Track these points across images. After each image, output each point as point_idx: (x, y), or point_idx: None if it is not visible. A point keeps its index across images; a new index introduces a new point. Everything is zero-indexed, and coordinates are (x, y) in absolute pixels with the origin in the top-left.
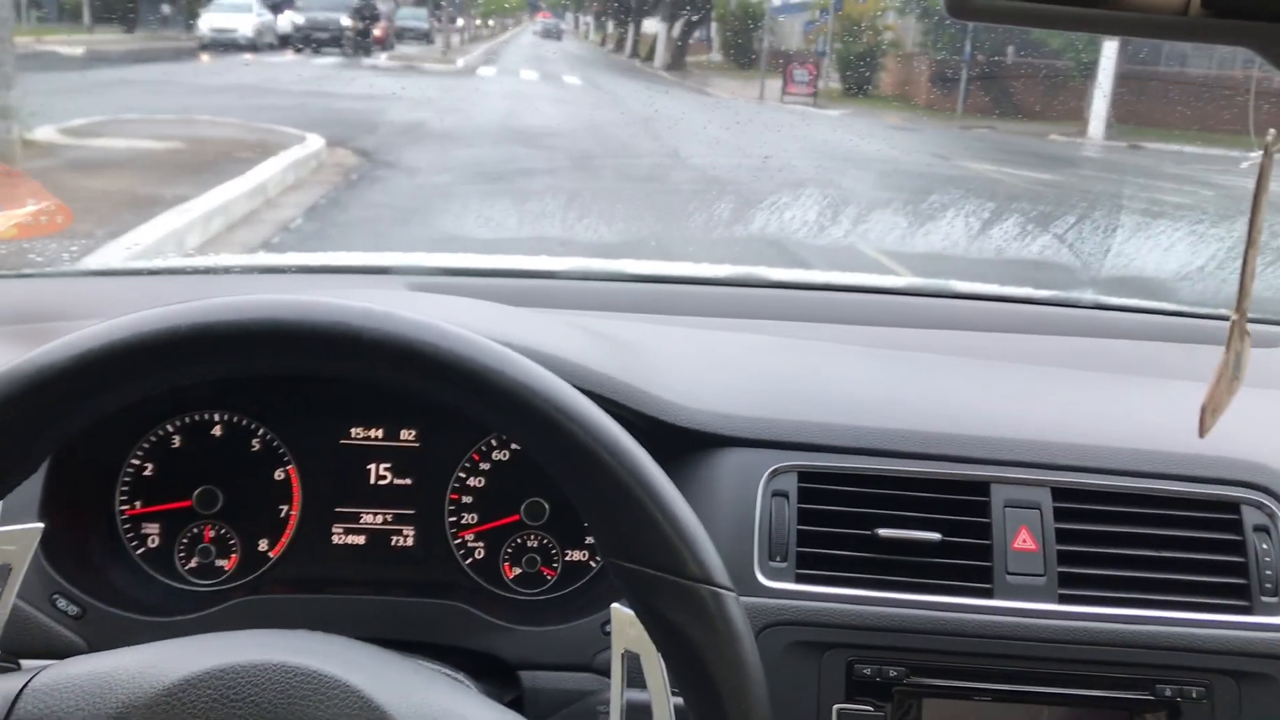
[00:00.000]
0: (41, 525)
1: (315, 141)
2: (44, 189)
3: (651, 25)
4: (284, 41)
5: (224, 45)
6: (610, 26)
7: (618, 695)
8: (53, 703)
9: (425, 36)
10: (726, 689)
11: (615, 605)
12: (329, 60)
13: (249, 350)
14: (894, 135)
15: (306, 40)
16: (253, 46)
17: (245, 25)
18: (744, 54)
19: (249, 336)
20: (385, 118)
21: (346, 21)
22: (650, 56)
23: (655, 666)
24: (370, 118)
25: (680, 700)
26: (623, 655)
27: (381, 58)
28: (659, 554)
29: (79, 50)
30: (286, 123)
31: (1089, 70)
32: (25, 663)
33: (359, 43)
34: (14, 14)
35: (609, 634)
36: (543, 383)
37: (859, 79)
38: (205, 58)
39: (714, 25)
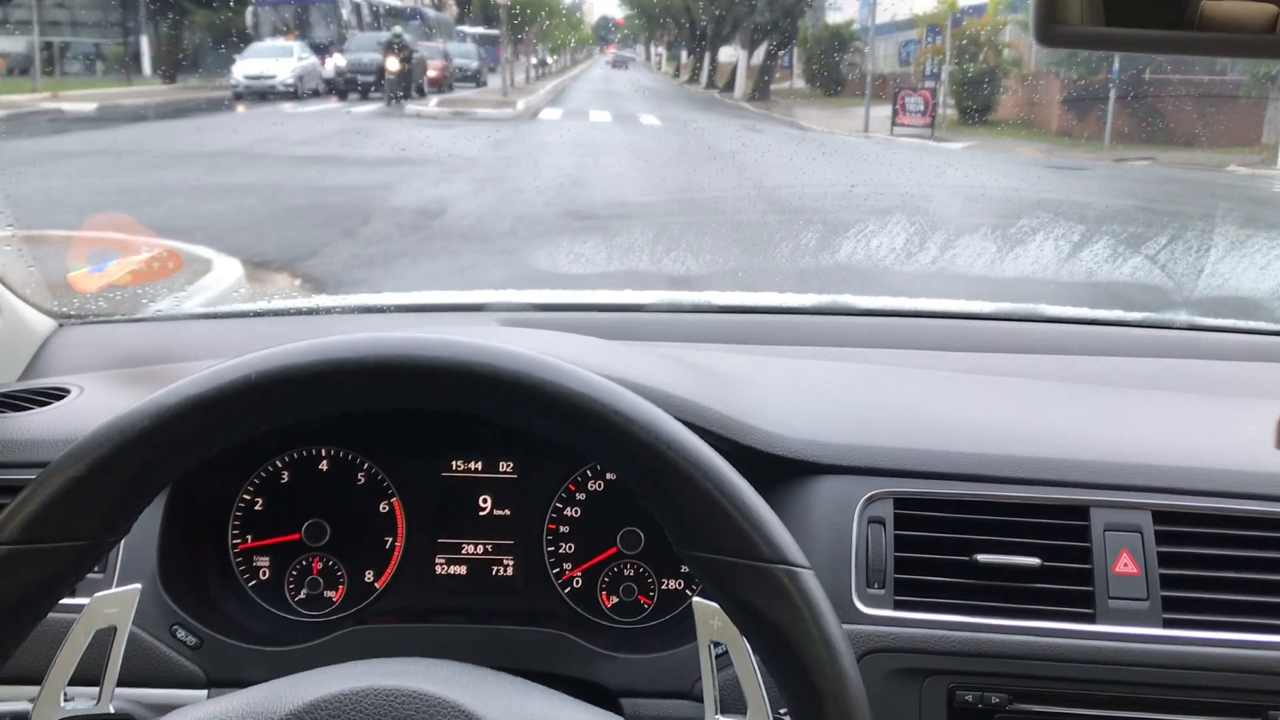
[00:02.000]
0: (139, 586)
1: (226, 271)
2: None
3: (729, 53)
4: (330, 87)
5: (260, 93)
6: (684, 56)
7: (710, 687)
8: None
9: (474, 78)
10: (815, 665)
11: (696, 599)
12: (368, 109)
13: (382, 386)
14: (1041, 174)
15: (351, 85)
16: (294, 94)
17: (284, 71)
18: (832, 81)
19: (384, 372)
20: (393, 198)
21: (388, 63)
22: (729, 86)
23: (743, 653)
24: (370, 199)
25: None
26: (710, 646)
27: (431, 102)
28: (731, 540)
29: (90, 106)
30: (246, 213)
31: (1270, 83)
32: (143, 694)
33: (396, 85)
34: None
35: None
36: (600, 390)
37: (980, 106)
38: (241, 108)
39: (794, 50)
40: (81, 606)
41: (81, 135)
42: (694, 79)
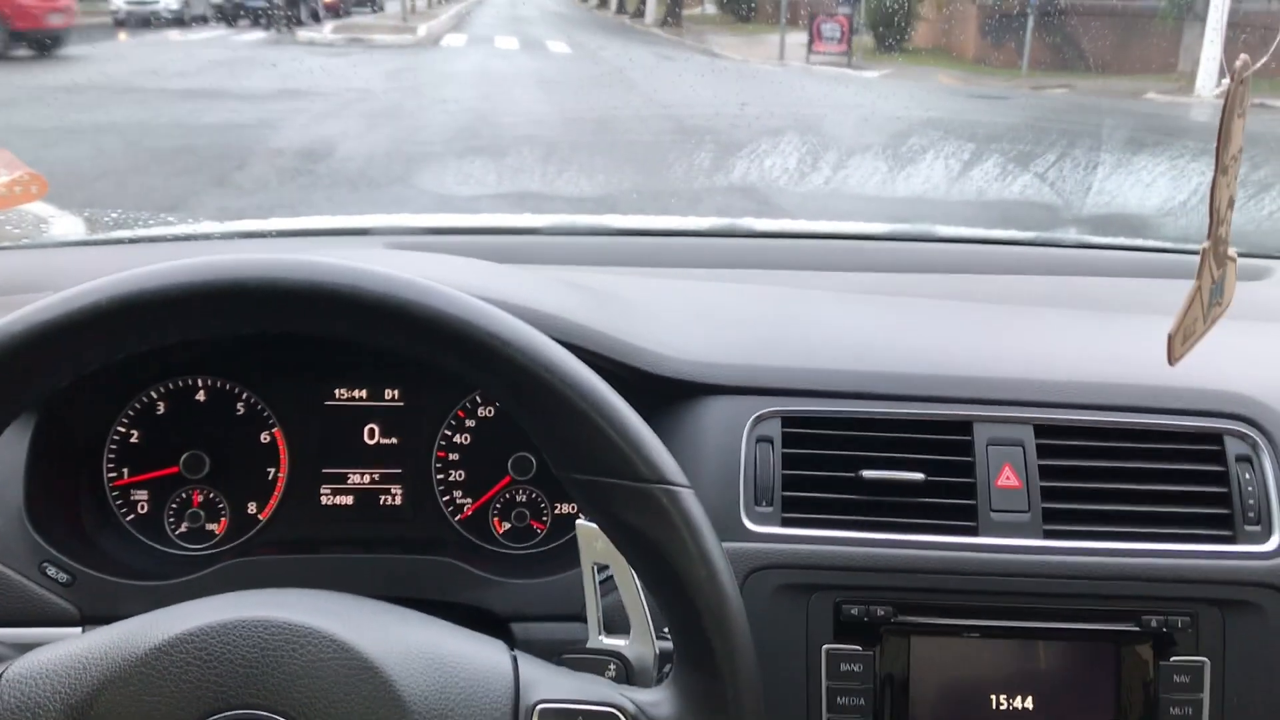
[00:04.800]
0: None
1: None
2: (16, 159)
3: None
4: (219, 13)
5: (143, 19)
6: None
7: (594, 609)
8: (30, 691)
9: (372, 1)
10: (694, 583)
11: (579, 522)
12: (256, 36)
13: (242, 309)
14: (964, 103)
15: (237, 10)
16: (179, 20)
17: None
18: (745, 6)
19: (243, 295)
20: (274, 137)
21: None
22: (640, 12)
23: (625, 574)
24: (247, 139)
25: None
26: (593, 569)
27: (326, 29)
28: (610, 461)
29: None
30: (104, 158)
31: (1186, 7)
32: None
33: (287, 9)
34: None
35: None
36: (475, 311)
37: (897, 32)
38: (122, 36)
39: None
40: None
41: None
42: (603, 4)
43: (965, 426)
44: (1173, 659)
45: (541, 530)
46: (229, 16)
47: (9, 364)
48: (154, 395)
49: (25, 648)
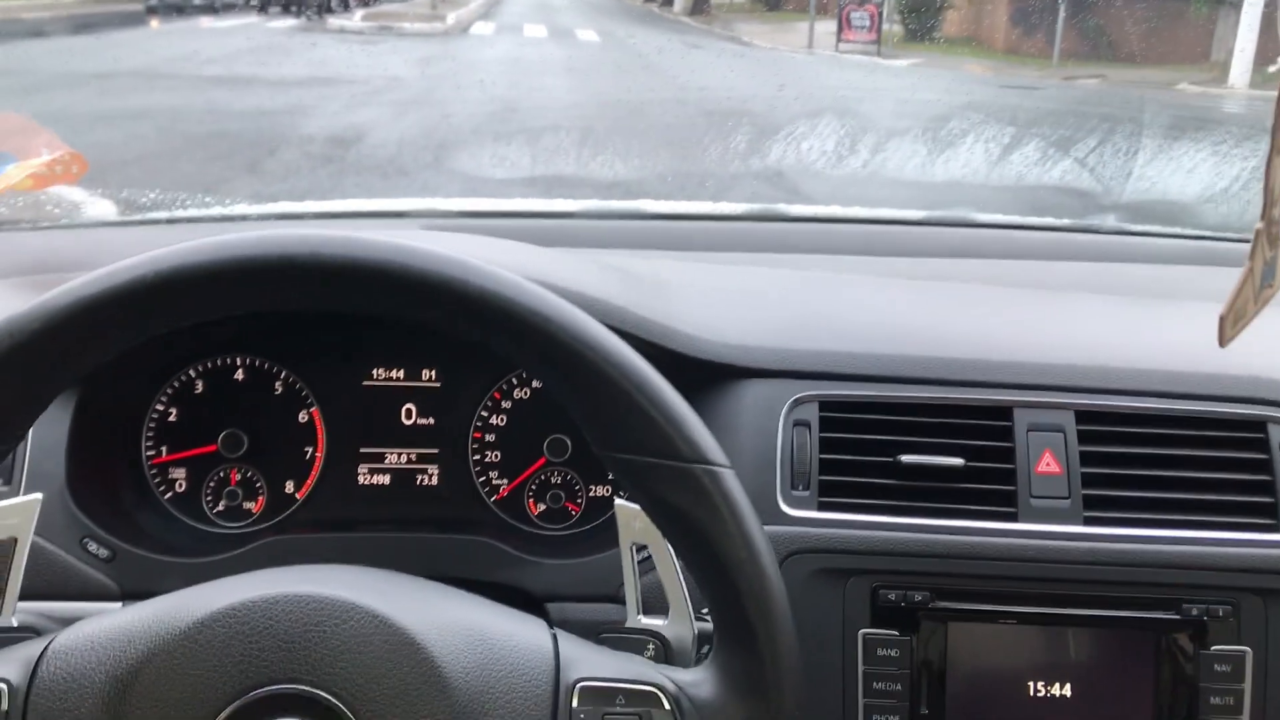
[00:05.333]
0: (40, 496)
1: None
2: (58, 138)
3: None
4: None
5: (176, 7)
6: None
7: (632, 589)
8: (76, 662)
9: None
10: (734, 563)
11: (618, 501)
12: (287, 24)
13: (285, 285)
14: (995, 93)
15: None
16: (211, 7)
17: None
18: None
19: (287, 270)
20: (306, 124)
21: None
22: (669, 1)
23: (664, 554)
24: (280, 126)
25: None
26: (632, 548)
27: (356, 16)
28: (650, 440)
29: None
30: (137, 143)
31: None
32: (52, 607)
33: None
34: None
35: None
36: (518, 288)
37: (928, 21)
38: (155, 23)
39: None
40: None
41: None
42: None
43: (1005, 412)
44: (1213, 648)
45: (576, 512)
46: (261, 4)
47: (55, 338)
48: (193, 374)
49: (67, 621)
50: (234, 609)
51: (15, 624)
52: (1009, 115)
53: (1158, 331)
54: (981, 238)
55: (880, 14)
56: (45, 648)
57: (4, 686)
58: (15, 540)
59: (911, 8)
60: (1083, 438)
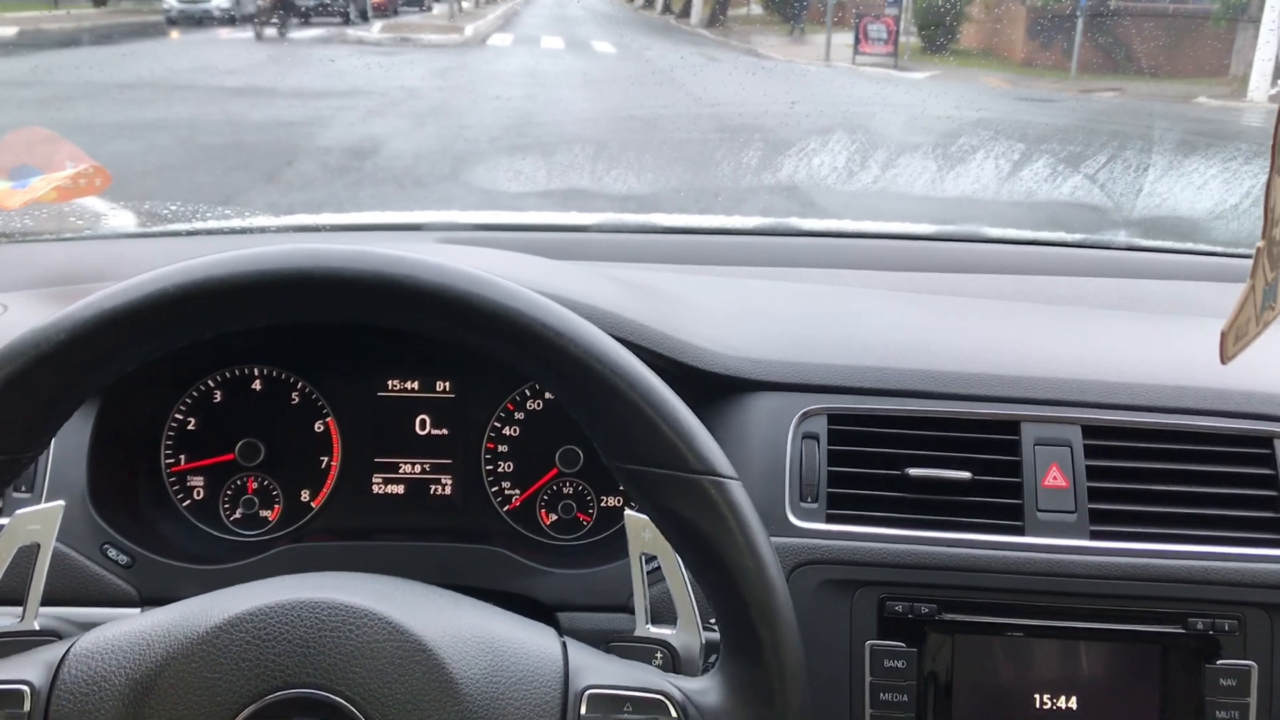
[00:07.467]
0: (63, 503)
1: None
2: (81, 151)
3: None
4: (269, 11)
5: (195, 19)
6: None
7: (641, 599)
8: (97, 666)
9: (419, 1)
10: (741, 574)
11: (628, 512)
12: (309, 34)
13: (304, 298)
14: (1012, 106)
15: (289, 9)
16: (231, 19)
17: None
18: (787, 6)
19: (305, 284)
20: (323, 135)
21: None
22: (685, 12)
23: (673, 565)
24: (297, 137)
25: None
26: (641, 558)
27: (375, 28)
28: (659, 452)
29: (10, 31)
30: (156, 154)
31: (1240, 10)
32: (73, 612)
33: (336, 9)
34: None
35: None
36: (529, 302)
37: (945, 33)
38: (174, 34)
39: None
40: (2, 525)
41: None
42: (649, 4)
43: (1013, 426)
44: (1219, 662)
45: (588, 522)
46: (280, 15)
47: (80, 350)
48: (211, 384)
49: (88, 626)
50: (251, 615)
51: (37, 628)
52: (1020, 131)
53: (1166, 347)
54: (992, 253)
55: (897, 26)
56: (67, 651)
57: (26, 689)
58: (38, 546)
59: (929, 20)
60: (1089, 452)
